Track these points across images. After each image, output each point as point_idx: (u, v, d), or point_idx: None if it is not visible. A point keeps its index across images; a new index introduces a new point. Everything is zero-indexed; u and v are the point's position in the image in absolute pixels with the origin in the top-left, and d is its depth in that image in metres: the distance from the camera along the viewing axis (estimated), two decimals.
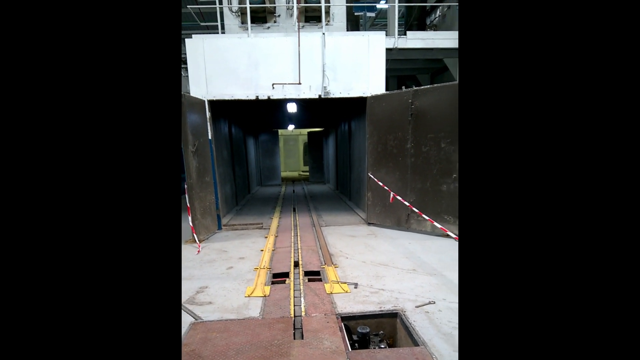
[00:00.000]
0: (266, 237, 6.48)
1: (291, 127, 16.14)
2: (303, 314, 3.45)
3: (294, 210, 9.28)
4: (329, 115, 13.12)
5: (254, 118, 13.66)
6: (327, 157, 16.93)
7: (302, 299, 3.78)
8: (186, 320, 3.38)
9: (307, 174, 19.42)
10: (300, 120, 14.73)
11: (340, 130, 12.40)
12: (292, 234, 6.64)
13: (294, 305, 3.64)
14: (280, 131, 23.52)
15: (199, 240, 6.14)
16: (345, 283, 4.15)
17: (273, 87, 7.15)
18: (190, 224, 6.09)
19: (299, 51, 7.03)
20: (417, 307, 3.53)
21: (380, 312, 3.46)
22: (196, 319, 3.42)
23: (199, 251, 5.74)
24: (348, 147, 10.78)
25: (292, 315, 3.42)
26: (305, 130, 21.32)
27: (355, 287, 4.04)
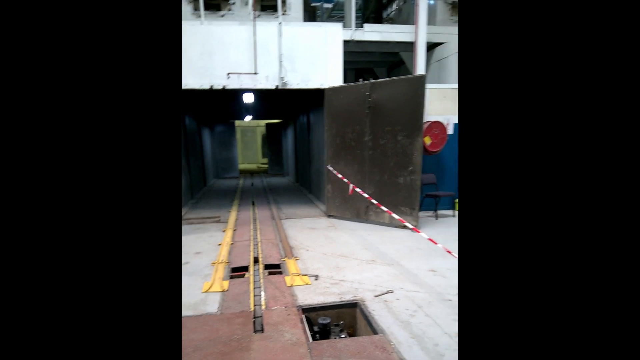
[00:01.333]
0: (224, 231, 6.34)
1: (248, 118, 15.86)
2: (263, 307, 3.41)
3: (253, 203, 9.14)
4: (287, 106, 13.02)
5: (208, 108, 13.28)
6: (286, 149, 16.82)
7: (262, 293, 3.74)
8: None
9: (266, 166, 19.20)
10: (258, 111, 14.49)
11: (299, 122, 12.35)
12: (252, 227, 6.55)
13: (254, 300, 3.59)
14: (237, 122, 23.07)
15: None
16: (306, 275, 4.15)
17: (228, 77, 6.97)
18: None
19: (255, 40, 6.89)
20: (375, 296, 3.59)
21: (340, 303, 3.49)
22: None
23: None
24: (307, 140, 10.76)
25: (252, 309, 3.37)
26: (263, 122, 21.04)
27: (316, 279, 4.05)
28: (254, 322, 3.17)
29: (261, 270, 4.39)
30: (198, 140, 12.47)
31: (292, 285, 3.89)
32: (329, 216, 7.27)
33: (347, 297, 3.58)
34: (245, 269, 4.49)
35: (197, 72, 6.88)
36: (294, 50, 7.08)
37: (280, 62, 7.08)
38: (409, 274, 4.18)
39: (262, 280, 4.07)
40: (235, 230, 6.40)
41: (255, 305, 3.47)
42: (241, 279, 4.15)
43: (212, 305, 3.50)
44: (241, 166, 22.33)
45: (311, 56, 7.14)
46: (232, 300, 3.58)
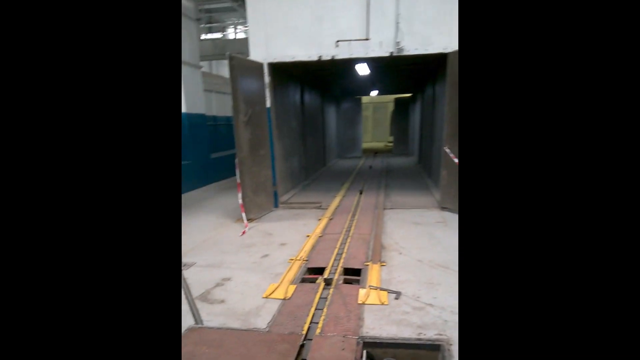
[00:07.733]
0: (319, 220, 5.79)
1: (374, 93, 14.95)
2: (318, 331, 2.70)
3: (362, 189, 8.34)
4: (417, 78, 11.66)
5: (332, 83, 12.77)
6: (412, 126, 15.42)
7: (326, 309, 3.02)
8: (186, 322, 2.88)
9: (392, 144, 18.08)
10: (385, 85, 13.43)
11: (425, 96, 10.94)
12: (349, 217, 5.83)
13: (313, 316, 2.91)
14: (368, 98, 22.31)
15: (247, 220, 5.69)
16: (385, 290, 3.26)
17: (337, 45, 6.23)
18: (240, 201, 5.65)
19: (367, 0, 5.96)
20: None
21: (417, 342, 2.54)
22: (197, 322, 2.90)
23: (243, 232, 5.29)
24: (431, 115, 9.39)
25: (304, 332, 2.69)
26: (393, 97, 19.79)
27: (397, 298, 3.14)
28: (300, 351, 2.49)
29: (336, 276, 3.65)
30: (320, 118, 12.18)
31: (363, 303, 3.07)
32: (442, 208, 6.06)
33: (429, 334, 2.60)
34: (321, 270, 3.84)
35: (305, 42, 6.31)
36: (413, 8, 5.91)
37: (397, 23, 6.02)
38: None
39: (331, 291, 3.33)
40: (331, 219, 5.78)
41: (311, 323, 2.79)
42: (311, 285, 3.50)
43: (265, 317, 2.95)
44: (369, 144, 21.68)
45: (434, 13, 5.88)
46: (287, 315, 2.96)
